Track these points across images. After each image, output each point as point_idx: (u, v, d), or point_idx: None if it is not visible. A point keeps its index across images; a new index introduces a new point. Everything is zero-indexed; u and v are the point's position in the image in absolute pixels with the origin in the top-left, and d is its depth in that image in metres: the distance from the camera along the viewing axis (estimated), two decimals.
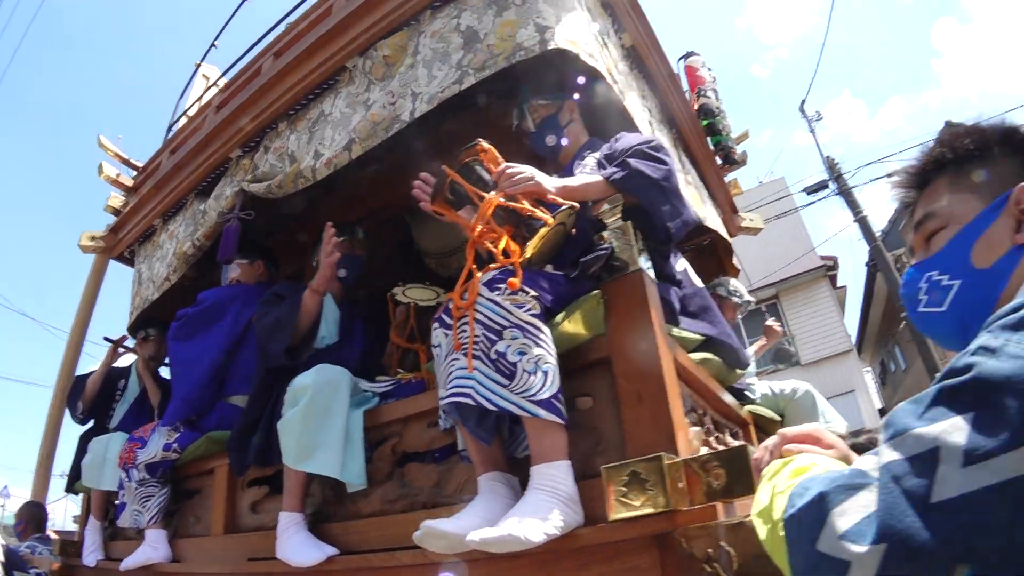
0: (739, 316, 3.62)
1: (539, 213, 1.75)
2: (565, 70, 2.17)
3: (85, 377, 3.69)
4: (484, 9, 2.23)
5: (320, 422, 1.97)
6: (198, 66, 4.81)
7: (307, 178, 2.61)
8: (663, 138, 2.77)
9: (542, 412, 1.42)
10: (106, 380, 3.66)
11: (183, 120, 4.25)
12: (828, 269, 14.58)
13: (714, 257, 3.79)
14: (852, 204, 12.20)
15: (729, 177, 4.59)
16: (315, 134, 2.70)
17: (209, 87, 4.51)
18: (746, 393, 2.95)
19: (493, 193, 1.78)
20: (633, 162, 1.84)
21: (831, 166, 12.47)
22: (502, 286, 1.55)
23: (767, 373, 3.84)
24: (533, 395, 1.42)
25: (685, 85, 3.56)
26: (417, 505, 1.87)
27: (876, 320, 17.33)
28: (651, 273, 1.65)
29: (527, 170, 1.78)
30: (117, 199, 4.29)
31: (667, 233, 1.82)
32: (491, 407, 1.45)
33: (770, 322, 3.69)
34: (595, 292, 1.65)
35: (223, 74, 4.52)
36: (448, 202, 1.93)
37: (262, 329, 2.40)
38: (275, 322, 2.36)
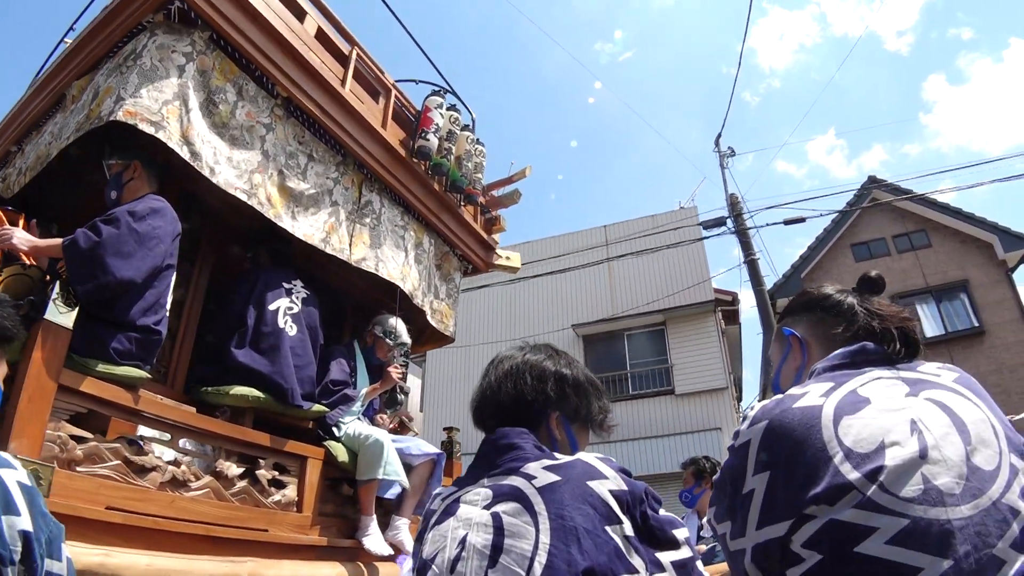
0: (396, 355, 3.77)
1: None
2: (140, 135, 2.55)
3: None
4: (111, 72, 2.68)
5: None
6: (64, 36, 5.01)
7: (11, 190, 3.10)
8: (320, 184, 3.24)
9: None
10: None
11: None
12: (719, 304, 14.94)
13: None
14: (745, 245, 12.64)
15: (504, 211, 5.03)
16: (33, 149, 3.14)
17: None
18: (333, 428, 3.34)
19: None
20: (80, 231, 2.36)
21: (732, 204, 12.92)
22: None
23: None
24: None
25: None
26: None
27: None
28: (61, 320, 2.16)
29: (10, 232, 2.39)
30: None
31: (77, 292, 2.28)
32: None
33: (390, 368, 3.69)
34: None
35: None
36: None
37: None
38: None
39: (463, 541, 1.14)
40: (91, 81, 2.88)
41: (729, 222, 12.72)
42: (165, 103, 2.53)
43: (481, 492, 1.21)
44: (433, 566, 1.17)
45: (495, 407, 1.37)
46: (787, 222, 12.59)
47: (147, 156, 2.76)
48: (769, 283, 13.11)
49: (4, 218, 2.59)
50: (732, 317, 16.11)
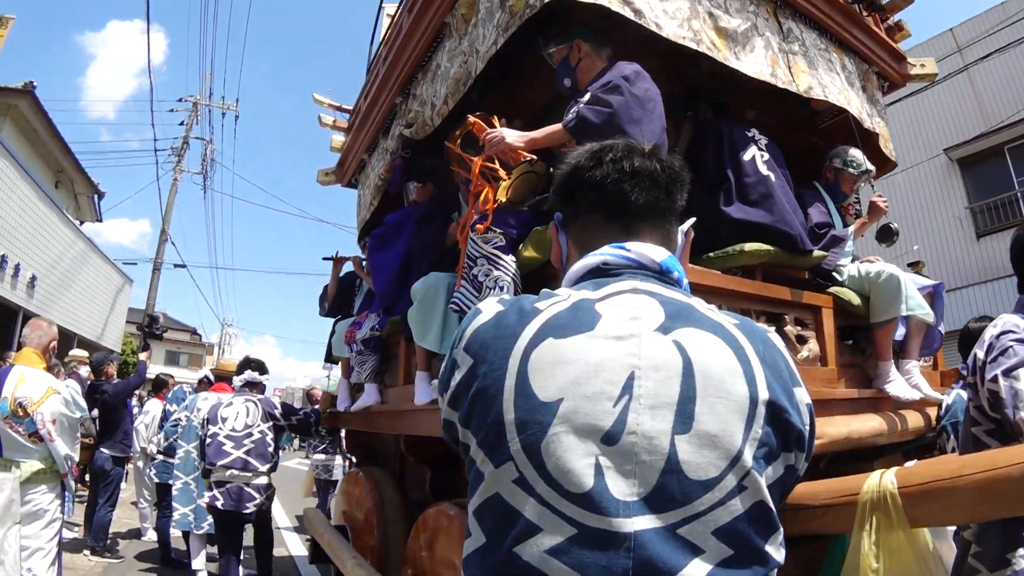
0: (859, 185, 3.41)
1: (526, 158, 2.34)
2: (575, 13, 2.39)
3: (326, 286, 4.86)
4: None
5: (426, 314, 2.69)
6: (380, 7, 5.05)
7: (429, 125, 3.25)
8: (745, 17, 2.86)
9: None
10: (342, 284, 4.78)
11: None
12: None
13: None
14: None
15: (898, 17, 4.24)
16: (433, 85, 3.24)
17: (389, 26, 4.70)
18: (833, 274, 2.95)
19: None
20: (582, 109, 2.19)
21: None
22: (476, 228, 2.19)
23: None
24: None
25: None
26: None
27: None
28: None
29: (499, 133, 2.30)
30: (337, 140, 5.30)
31: None
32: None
33: (874, 197, 3.26)
34: (539, 227, 2.18)
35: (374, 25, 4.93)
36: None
37: (417, 246, 3.22)
38: (426, 243, 3.16)
39: None
40: None
41: None
42: None
43: None
44: None
45: None
46: None
47: (586, 32, 2.60)
48: None
49: (484, 124, 2.55)
50: None
